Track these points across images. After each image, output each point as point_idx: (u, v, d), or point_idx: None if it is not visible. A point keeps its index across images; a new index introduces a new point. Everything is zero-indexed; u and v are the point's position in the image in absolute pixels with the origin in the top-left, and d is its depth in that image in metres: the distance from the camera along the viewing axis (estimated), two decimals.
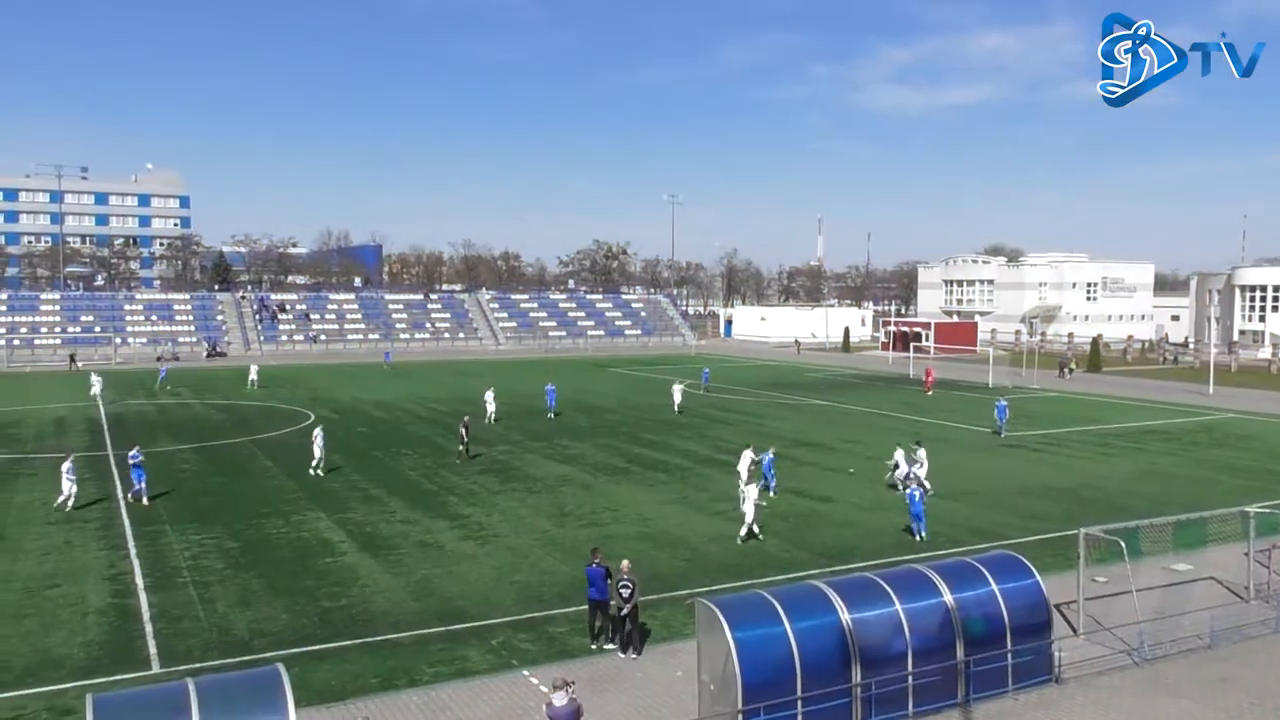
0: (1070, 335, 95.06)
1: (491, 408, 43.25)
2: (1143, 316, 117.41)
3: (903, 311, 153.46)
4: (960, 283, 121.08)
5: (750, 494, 23.36)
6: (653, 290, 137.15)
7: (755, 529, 23.21)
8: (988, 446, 37.51)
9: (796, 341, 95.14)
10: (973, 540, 23.15)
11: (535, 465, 33.01)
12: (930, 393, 54.68)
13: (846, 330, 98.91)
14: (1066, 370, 67.08)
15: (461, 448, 33.85)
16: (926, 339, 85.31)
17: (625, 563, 16.94)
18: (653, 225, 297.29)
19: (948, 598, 14.78)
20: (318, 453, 31.08)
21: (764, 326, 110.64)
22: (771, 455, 28.56)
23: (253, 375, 58.98)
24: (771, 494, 27.30)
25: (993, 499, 28.20)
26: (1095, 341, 77.32)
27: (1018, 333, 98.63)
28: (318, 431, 31.99)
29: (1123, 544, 17.65)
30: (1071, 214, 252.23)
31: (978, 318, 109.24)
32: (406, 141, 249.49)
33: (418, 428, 41.92)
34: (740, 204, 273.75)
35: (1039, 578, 15.73)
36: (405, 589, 19.63)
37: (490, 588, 19.77)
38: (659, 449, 36.29)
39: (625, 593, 16.32)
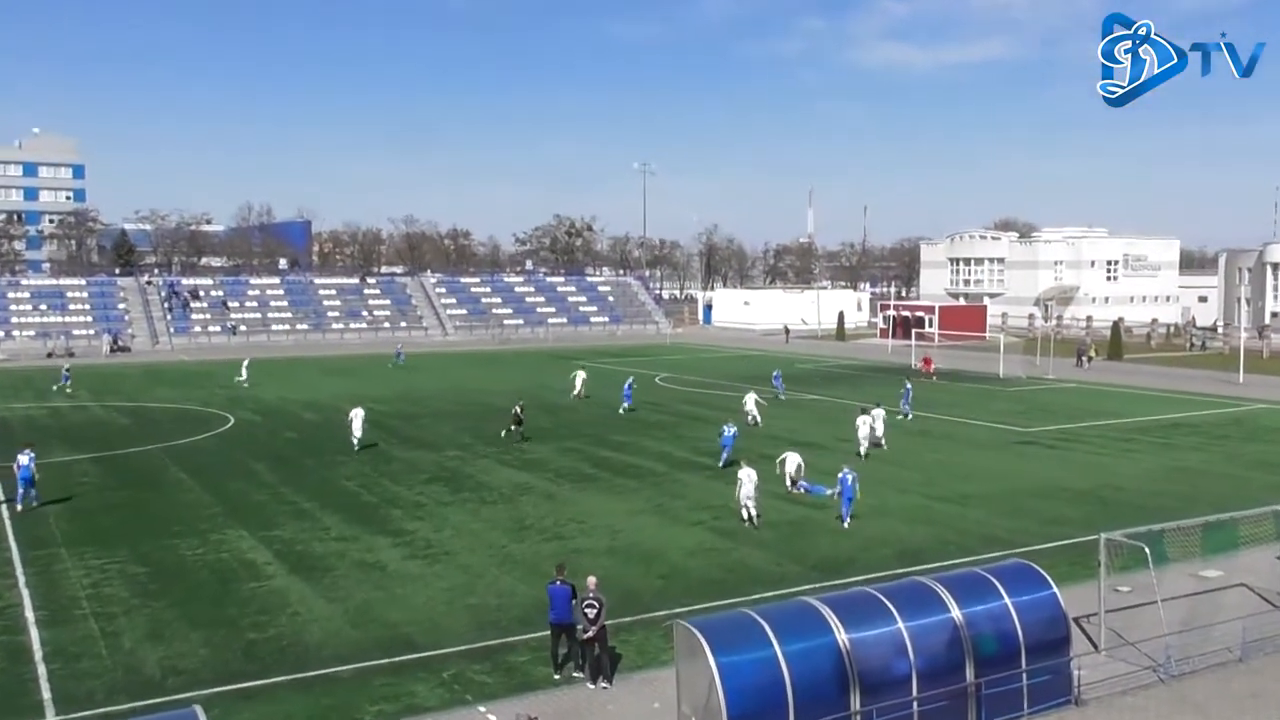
0: (1089, 319, 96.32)
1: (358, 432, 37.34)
2: (1168, 298, 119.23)
3: (903, 294, 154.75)
4: (967, 261, 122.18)
5: (749, 477, 25.57)
6: (622, 271, 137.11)
7: (753, 511, 25.51)
8: (999, 444, 37.96)
9: (786, 329, 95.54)
10: (983, 549, 23.43)
11: (490, 472, 32.93)
12: (935, 378, 55.28)
13: (841, 315, 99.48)
14: (1085, 358, 68.01)
15: (515, 428, 38.27)
16: (930, 325, 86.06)
17: (591, 579, 16.96)
18: (622, 198, 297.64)
19: (956, 613, 14.94)
20: (357, 429, 36.36)
21: (748, 312, 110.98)
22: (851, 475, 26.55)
23: (244, 370, 58.92)
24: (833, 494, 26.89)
25: (1004, 502, 28.54)
26: (1116, 326, 78.43)
27: (1031, 317, 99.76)
28: (357, 410, 37.21)
29: (1147, 550, 17.95)
30: (1090, 185, 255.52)
31: (987, 300, 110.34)
32: (338, 103, 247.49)
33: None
34: (721, 174, 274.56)
35: (1056, 589, 15.95)
36: (342, 616, 19.53)
37: (440, 612, 19.72)
38: (629, 451, 36.34)
39: (591, 613, 16.33)
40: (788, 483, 29.30)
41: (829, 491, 27.80)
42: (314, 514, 27.45)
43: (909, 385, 46.17)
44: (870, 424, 35.68)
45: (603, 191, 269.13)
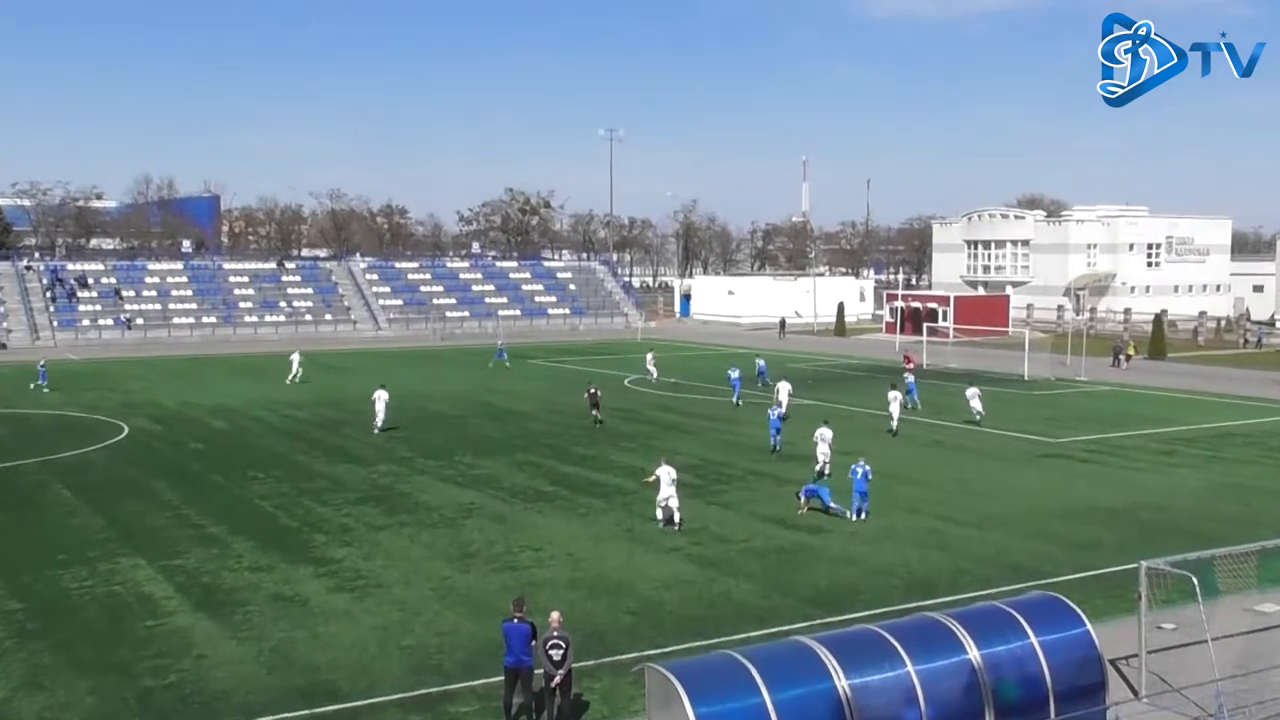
0: (1126, 312, 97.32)
1: (381, 412, 43.09)
2: (1218, 287, 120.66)
3: (913, 282, 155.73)
4: (986, 244, 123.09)
5: (667, 475, 27.69)
6: (585, 255, 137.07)
7: (674, 514, 27.63)
8: (1023, 457, 38.27)
9: (781, 323, 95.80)
10: (1004, 579, 23.56)
11: (430, 490, 32.83)
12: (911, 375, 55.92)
13: (841, 307, 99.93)
14: (1122, 357, 68.68)
15: (595, 412, 44.65)
16: (943, 318, 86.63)
17: (555, 615, 16.94)
18: (585, 169, 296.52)
19: (974, 654, 15.01)
20: (380, 411, 42.42)
21: (733, 303, 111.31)
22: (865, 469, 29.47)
23: (295, 366, 59.77)
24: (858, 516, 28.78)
25: (1029, 525, 28.75)
26: (1158, 319, 79.28)
27: (1060, 309, 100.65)
28: (380, 393, 42.80)
29: (1195, 580, 18.08)
30: (1127, 156, 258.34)
31: (1009, 290, 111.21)
32: (251, 61, 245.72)
33: (272, 442, 41.43)
34: (701, 142, 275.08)
35: (1089, 626, 16.05)
36: (256, 659, 19.40)
37: (371, 655, 19.62)
38: (594, 466, 36.33)
39: (556, 655, 16.31)
40: (820, 463, 33.35)
41: (848, 513, 28.77)
42: (223, 539, 27.23)
43: (910, 378, 49.82)
44: (900, 399, 43.44)
45: (562, 162, 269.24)
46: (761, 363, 59.82)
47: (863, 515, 28.66)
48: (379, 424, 42.47)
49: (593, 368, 65.06)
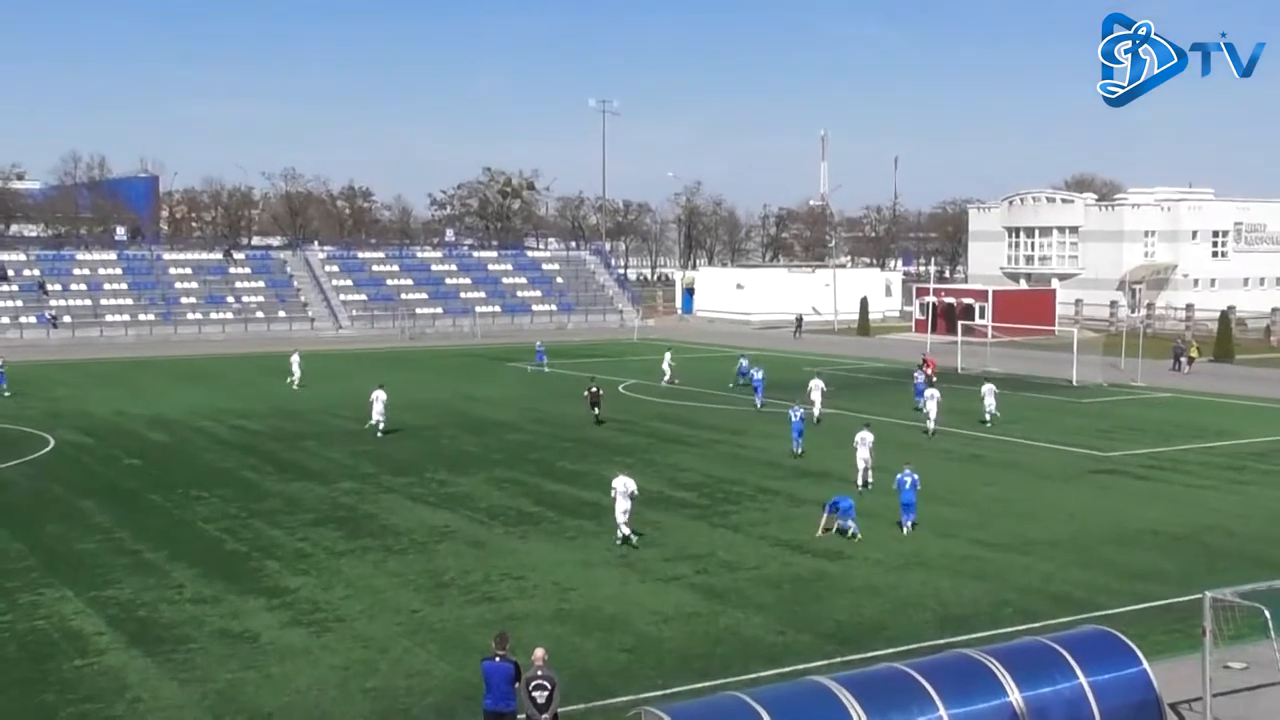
0: (1189, 309, 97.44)
1: (379, 413, 45.56)
2: None
3: (946, 275, 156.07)
4: (1030, 232, 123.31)
5: (623, 486, 28.56)
6: (575, 244, 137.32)
7: (626, 530, 28.59)
8: (1072, 473, 38.32)
9: (798, 320, 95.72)
10: (1051, 612, 23.56)
11: (398, 511, 32.85)
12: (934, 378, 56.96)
13: (864, 302, 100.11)
14: (1184, 360, 68.81)
15: (595, 411, 48.04)
16: (981, 315, 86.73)
17: (539, 652, 16.93)
18: (574, 146, 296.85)
19: (1015, 697, 15.04)
20: (378, 412, 44.88)
21: (742, 298, 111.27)
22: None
23: (295, 368, 60.70)
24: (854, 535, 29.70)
25: (1079, 550, 28.79)
26: (1224, 317, 79.39)
27: (1114, 305, 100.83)
28: (378, 393, 45.20)
29: (1267, 613, 18.12)
30: (1190, 131, 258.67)
31: (1056, 283, 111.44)
32: (195, 20, 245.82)
33: (218, 456, 41.45)
34: (705, 116, 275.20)
35: (1146, 665, 16.09)
36: (199, 704, 19.39)
37: (331, 698, 19.62)
38: (584, 484, 36.35)
39: (541, 697, 16.32)
40: (862, 471, 34.88)
41: (858, 536, 29.32)
42: (162, 567, 27.22)
43: (919, 379, 53.24)
44: (938, 399, 45.53)
45: (548, 138, 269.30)
46: (745, 361, 61.26)
47: (909, 528, 29.88)
48: (380, 426, 45.03)
49: (583, 372, 65.02)
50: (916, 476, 30.27)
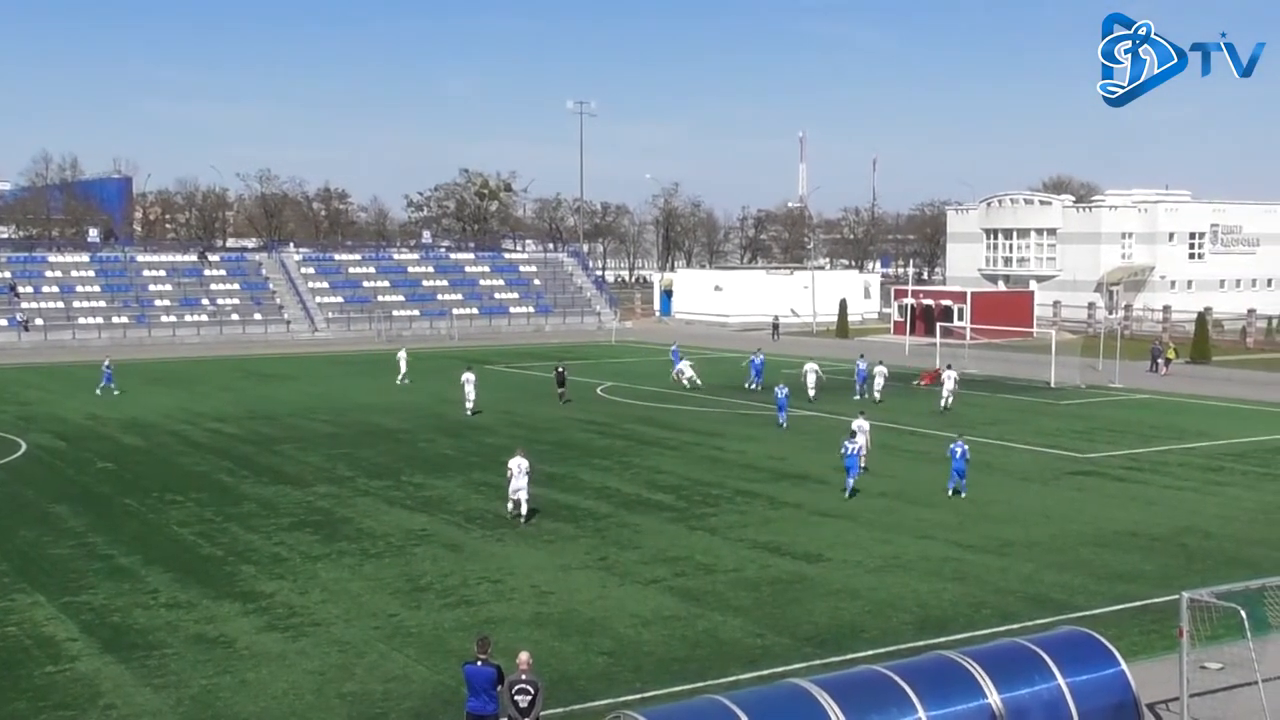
0: (1166, 310, 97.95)
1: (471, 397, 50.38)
2: (1269, 282, 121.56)
3: (925, 276, 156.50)
4: (1008, 234, 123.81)
5: (519, 467, 31.05)
6: (552, 246, 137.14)
7: (525, 509, 31.01)
8: (1050, 475, 38.47)
9: (775, 323, 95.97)
10: (1029, 613, 23.66)
11: (374, 515, 32.79)
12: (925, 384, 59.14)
13: (843, 304, 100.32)
14: (1161, 361, 69.14)
15: (561, 390, 52.19)
16: (960, 316, 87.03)
17: (524, 655, 16.89)
18: (551, 148, 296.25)
19: (993, 699, 15.08)
20: (470, 395, 49.78)
21: (720, 300, 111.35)
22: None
23: (403, 365, 63.45)
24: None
25: (1056, 552, 28.90)
26: (1202, 319, 79.86)
27: (1091, 306, 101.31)
28: (469, 374, 50.12)
29: (1243, 614, 18.19)
30: (1167, 133, 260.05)
31: (1034, 285, 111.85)
32: (168, 19, 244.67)
33: (193, 460, 41.28)
34: (683, 117, 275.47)
35: (1124, 665, 16.16)
36: (174, 710, 19.31)
37: (307, 704, 19.57)
38: (562, 487, 36.33)
39: (523, 702, 16.30)
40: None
41: (847, 494, 33.38)
42: (136, 572, 27.12)
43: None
44: (955, 378, 50.30)
45: (525, 140, 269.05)
46: (758, 359, 61.25)
47: (961, 494, 33.63)
48: (469, 408, 49.88)
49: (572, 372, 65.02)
50: (966, 446, 33.86)
